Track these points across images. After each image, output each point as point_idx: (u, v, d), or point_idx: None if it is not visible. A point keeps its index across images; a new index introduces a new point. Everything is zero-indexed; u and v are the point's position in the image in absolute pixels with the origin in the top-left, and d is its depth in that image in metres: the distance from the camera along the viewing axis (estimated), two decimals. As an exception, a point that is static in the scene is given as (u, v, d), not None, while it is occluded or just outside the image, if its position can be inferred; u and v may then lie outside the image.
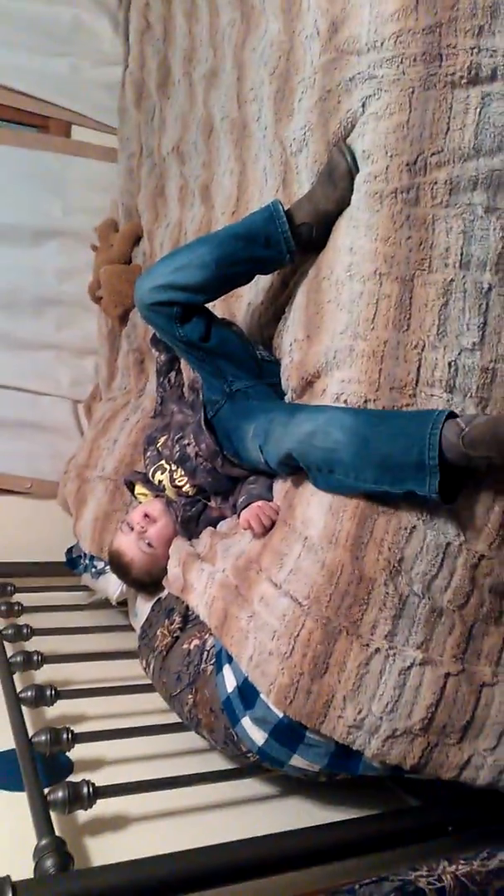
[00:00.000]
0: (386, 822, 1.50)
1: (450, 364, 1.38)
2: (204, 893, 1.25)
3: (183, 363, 2.16)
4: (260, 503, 1.64)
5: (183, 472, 1.89)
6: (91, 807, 1.46)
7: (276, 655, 1.41)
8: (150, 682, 1.87)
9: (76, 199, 3.15)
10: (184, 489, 1.91)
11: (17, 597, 2.55)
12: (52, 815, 1.40)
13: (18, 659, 2.00)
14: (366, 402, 1.42)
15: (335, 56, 1.53)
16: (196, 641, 1.73)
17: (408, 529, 1.39)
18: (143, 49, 2.75)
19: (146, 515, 1.95)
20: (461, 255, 1.38)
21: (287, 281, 1.80)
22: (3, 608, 2.39)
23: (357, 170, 1.50)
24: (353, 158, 1.50)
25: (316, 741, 1.43)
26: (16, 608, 2.41)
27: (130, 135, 2.87)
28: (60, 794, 1.43)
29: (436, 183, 1.37)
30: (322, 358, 1.53)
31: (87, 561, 2.53)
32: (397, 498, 1.38)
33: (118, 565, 1.99)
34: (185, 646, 1.74)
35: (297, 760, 1.48)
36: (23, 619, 2.32)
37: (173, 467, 1.91)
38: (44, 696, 1.81)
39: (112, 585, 2.34)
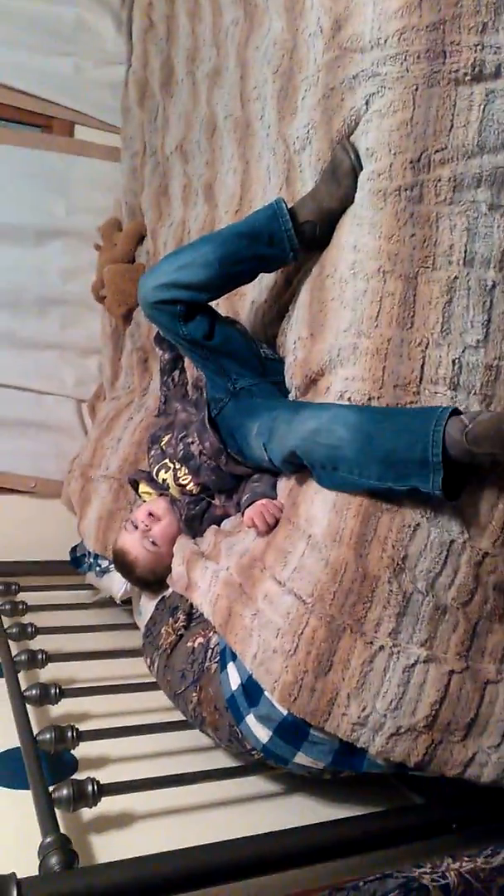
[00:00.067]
0: (390, 819, 1.50)
1: (454, 361, 1.38)
2: (208, 891, 1.26)
3: (187, 362, 2.16)
4: (264, 501, 1.64)
5: (187, 471, 1.89)
6: (96, 804, 1.46)
7: (280, 653, 1.41)
8: (154, 680, 1.87)
9: (80, 199, 3.15)
10: (188, 487, 1.91)
11: (22, 595, 2.56)
12: (57, 812, 1.41)
13: (23, 657, 2.00)
14: (370, 399, 1.42)
15: (338, 54, 1.53)
16: (200, 639, 1.73)
17: (412, 527, 1.39)
18: (147, 48, 2.75)
19: (150, 514, 1.96)
20: (465, 252, 1.38)
21: (291, 279, 1.80)
22: (7, 607, 2.40)
23: (361, 167, 1.50)
24: (357, 156, 1.50)
25: (320, 739, 1.43)
26: (20, 607, 2.42)
27: (134, 134, 2.87)
28: (65, 791, 1.44)
29: (440, 180, 1.37)
30: (326, 356, 1.53)
31: (91, 560, 2.54)
32: (401, 495, 1.38)
33: (122, 564, 1.99)
34: (190, 644, 1.74)
35: (301, 758, 1.48)
36: (27, 618, 2.33)
37: (177, 466, 1.92)
38: (48, 694, 1.82)
39: (116, 584, 2.34)
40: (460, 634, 1.39)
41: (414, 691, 1.36)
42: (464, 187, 1.36)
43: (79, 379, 3.21)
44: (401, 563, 1.38)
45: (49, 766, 1.58)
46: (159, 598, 1.98)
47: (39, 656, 2.02)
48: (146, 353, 2.69)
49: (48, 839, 1.31)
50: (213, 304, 1.78)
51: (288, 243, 1.63)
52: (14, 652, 2.05)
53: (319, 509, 1.47)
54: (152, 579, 1.98)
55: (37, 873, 1.25)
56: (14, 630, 2.18)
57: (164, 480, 1.96)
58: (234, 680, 1.57)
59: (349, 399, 1.45)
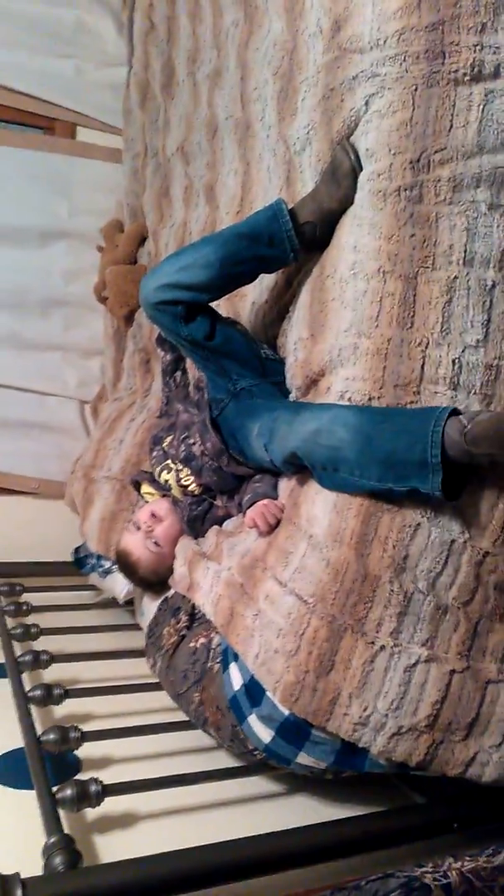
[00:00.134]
0: (392, 818, 1.50)
1: (454, 361, 1.38)
2: (210, 891, 1.26)
3: (188, 363, 2.16)
4: (265, 502, 1.64)
5: (189, 472, 1.90)
6: (99, 804, 1.46)
7: (282, 653, 1.41)
8: (156, 680, 1.88)
9: (82, 201, 3.16)
10: (190, 488, 1.91)
11: (25, 596, 2.56)
12: (61, 813, 1.41)
13: (27, 658, 2.01)
14: (370, 399, 1.42)
15: (338, 55, 1.54)
16: (202, 640, 1.73)
17: (412, 527, 1.39)
18: (147, 50, 2.76)
19: (153, 514, 1.96)
20: (465, 252, 1.38)
21: (291, 280, 1.80)
22: (11, 608, 2.40)
23: (360, 168, 1.50)
24: (357, 157, 1.50)
25: (322, 739, 1.43)
26: (24, 608, 2.42)
27: (135, 135, 2.88)
28: (69, 791, 1.44)
29: (439, 180, 1.37)
30: (326, 356, 1.53)
31: (94, 560, 2.55)
32: (401, 496, 1.38)
33: (125, 564, 2.00)
34: (192, 644, 1.75)
35: (303, 758, 1.48)
36: (31, 619, 2.34)
37: (179, 467, 1.92)
38: (52, 695, 1.82)
39: (119, 584, 2.35)
40: (461, 634, 1.40)
41: (415, 691, 1.36)
42: (463, 187, 1.37)
43: (81, 380, 3.21)
44: (402, 563, 1.38)
45: (53, 767, 1.59)
46: (162, 598, 1.98)
47: (43, 657, 2.03)
48: (148, 354, 2.69)
49: (52, 839, 1.31)
50: (213, 304, 1.78)
51: (288, 244, 1.63)
52: (18, 653, 2.06)
53: (320, 509, 1.48)
54: (155, 580, 1.98)
55: (41, 873, 1.25)
56: (18, 631, 2.19)
57: (166, 481, 1.97)
58: (236, 680, 1.57)
59: (350, 399, 1.45)
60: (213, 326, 1.73)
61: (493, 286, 1.37)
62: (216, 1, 2.20)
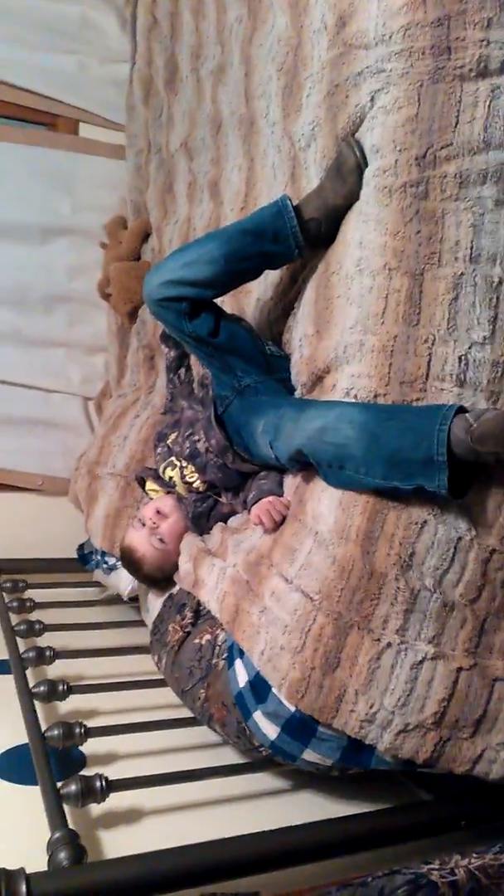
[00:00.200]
0: (398, 816, 1.50)
1: (460, 358, 1.38)
2: (216, 886, 1.26)
3: (193, 359, 2.16)
4: (270, 499, 1.64)
5: (193, 469, 1.90)
6: (104, 800, 1.47)
7: (288, 650, 1.41)
8: (162, 677, 1.88)
9: (85, 197, 3.16)
10: (194, 485, 1.91)
11: (29, 593, 2.56)
12: (66, 808, 1.41)
13: (31, 654, 2.01)
14: (376, 396, 1.42)
15: (343, 51, 1.53)
16: (208, 636, 1.73)
17: (419, 524, 1.39)
18: (151, 46, 2.75)
19: (158, 511, 1.96)
20: (471, 248, 1.37)
21: (296, 276, 1.80)
22: (15, 604, 2.41)
23: (366, 164, 1.49)
24: (362, 153, 1.50)
25: (328, 735, 1.43)
26: (28, 604, 2.43)
27: (138, 131, 2.87)
28: (73, 787, 1.44)
29: (445, 176, 1.37)
30: (332, 353, 1.53)
31: (98, 557, 2.55)
32: (408, 493, 1.38)
33: (130, 561, 2.00)
34: (197, 641, 1.75)
35: (309, 755, 1.48)
36: (35, 615, 2.34)
37: (184, 463, 1.92)
38: (56, 691, 1.82)
39: (123, 581, 2.35)
40: (468, 631, 1.39)
41: (422, 688, 1.36)
42: (469, 183, 1.36)
43: (85, 377, 3.22)
44: (408, 561, 1.38)
45: (57, 763, 1.59)
46: (167, 595, 1.98)
47: (47, 653, 2.03)
48: (152, 350, 2.69)
49: (57, 835, 1.31)
50: (218, 301, 1.78)
51: (293, 240, 1.63)
52: (22, 649, 2.06)
53: (326, 507, 1.48)
54: (160, 577, 1.98)
55: (46, 868, 1.26)
56: (22, 627, 2.19)
57: (170, 478, 1.97)
58: (241, 677, 1.57)
59: (355, 396, 1.45)
60: (218, 323, 1.73)
61: (500, 283, 1.37)
62: (220, -4, 2.20)
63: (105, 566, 2.50)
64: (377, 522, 1.39)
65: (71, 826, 1.36)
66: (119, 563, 2.25)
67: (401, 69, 1.38)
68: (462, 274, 1.37)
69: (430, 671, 1.36)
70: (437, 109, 1.36)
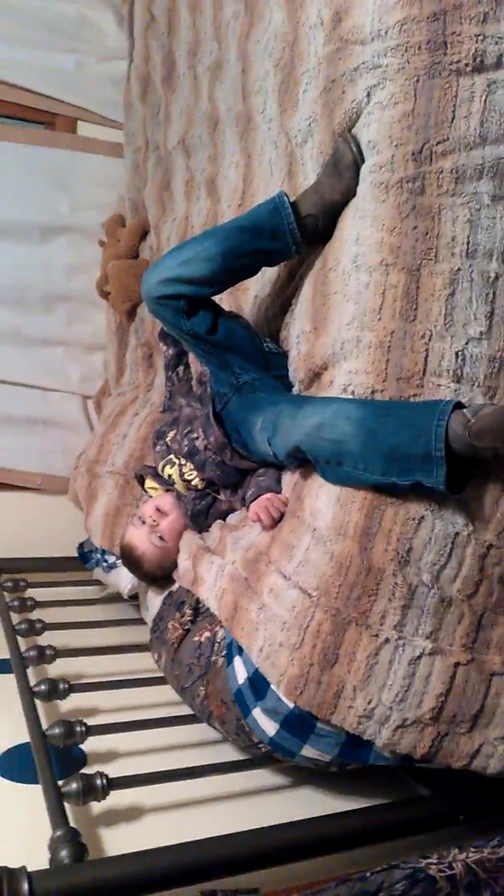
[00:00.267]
0: (396, 811, 1.50)
1: (457, 354, 1.38)
2: (216, 882, 1.26)
3: (191, 357, 2.16)
4: (269, 495, 1.64)
5: (192, 466, 1.90)
6: (105, 798, 1.47)
7: (286, 647, 1.41)
8: (161, 674, 1.88)
9: (83, 195, 3.16)
10: (193, 483, 1.91)
11: (30, 592, 2.56)
12: (67, 806, 1.41)
13: (32, 653, 2.01)
14: (373, 392, 1.42)
15: (339, 46, 1.53)
16: (207, 634, 1.73)
17: (416, 520, 1.39)
18: (148, 43, 2.75)
19: (158, 509, 1.96)
20: (468, 244, 1.37)
21: (293, 273, 1.80)
22: (15, 603, 2.41)
23: (363, 160, 1.49)
24: (359, 149, 1.49)
25: (326, 731, 1.44)
26: (28, 603, 2.43)
27: (136, 129, 2.87)
28: (74, 785, 1.45)
29: (441, 172, 1.37)
30: (329, 349, 1.53)
31: (98, 555, 2.55)
32: (405, 489, 1.38)
33: (130, 559, 2.00)
34: (196, 638, 1.75)
35: (307, 751, 1.49)
36: (35, 614, 2.34)
37: (182, 461, 1.92)
38: (57, 689, 1.82)
39: (123, 579, 2.35)
40: (465, 626, 1.40)
41: (419, 683, 1.36)
42: (466, 179, 1.36)
43: (84, 375, 3.22)
44: (405, 556, 1.38)
45: (58, 761, 1.60)
46: (166, 593, 1.98)
47: (48, 652, 2.03)
48: (151, 348, 2.69)
49: (58, 833, 1.32)
50: (216, 298, 1.78)
51: (290, 237, 1.63)
52: (23, 648, 2.07)
53: (324, 503, 1.48)
54: (159, 574, 1.98)
55: (47, 866, 1.26)
56: (22, 626, 2.20)
57: (169, 476, 1.97)
58: (240, 674, 1.57)
59: (353, 392, 1.45)
60: (216, 320, 1.73)
61: (497, 278, 1.37)
62: (216, -7, 2.20)
63: (105, 564, 2.50)
64: (375, 518, 1.40)
65: (72, 824, 1.36)
66: (119, 561, 2.25)
67: (397, 64, 1.38)
68: (459, 269, 1.37)
69: (427, 666, 1.36)
70: (434, 105, 1.36)
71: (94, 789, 1.46)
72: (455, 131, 1.35)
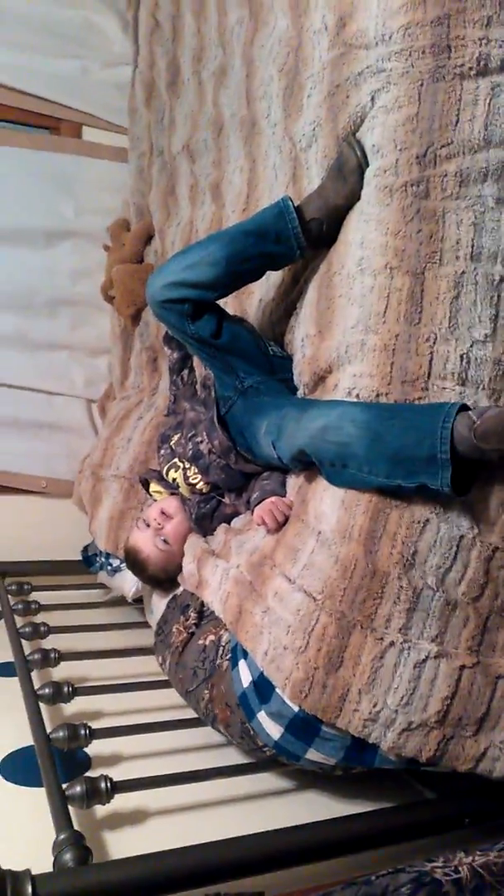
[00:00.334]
0: (402, 814, 1.49)
1: (462, 356, 1.38)
2: (221, 886, 1.26)
3: (195, 361, 2.17)
4: (273, 499, 1.64)
5: (196, 470, 1.90)
6: (109, 801, 1.47)
7: (291, 650, 1.41)
8: (166, 678, 1.88)
9: (88, 200, 3.17)
10: (197, 486, 1.92)
11: (34, 595, 2.57)
12: (71, 809, 1.41)
13: (36, 656, 2.02)
14: (378, 396, 1.42)
15: (343, 51, 1.53)
16: (211, 637, 1.73)
17: (421, 523, 1.39)
18: (153, 49, 2.76)
19: (162, 512, 1.97)
20: (472, 247, 1.37)
21: (298, 276, 1.80)
22: (20, 607, 2.41)
23: (367, 164, 1.50)
24: (363, 152, 1.50)
25: (331, 735, 1.43)
26: (33, 606, 2.43)
27: (141, 134, 2.88)
28: (78, 788, 1.44)
29: (446, 175, 1.37)
30: (334, 353, 1.53)
31: (102, 559, 2.55)
32: (410, 492, 1.38)
33: (134, 562, 2.00)
34: (201, 642, 1.75)
35: (312, 754, 1.48)
36: (40, 618, 2.35)
37: (187, 465, 1.92)
38: (61, 693, 1.82)
39: (128, 583, 2.36)
40: (471, 629, 1.39)
41: (425, 687, 1.35)
42: (470, 182, 1.36)
43: (89, 379, 3.22)
44: (410, 559, 1.38)
45: (63, 764, 1.59)
46: (170, 596, 1.98)
47: (52, 655, 2.04)
48: (155, 352, 2.69)
49: (62, 836, 1.31)
50: (220, 302, 1.78)
51: (295, 241, 1.63)
52: (27, 651, 2.07)
53: (329, 506, 1.48)
54: (164, 577, 1.99)
55: (51, 869, 1.26)
56: (27, 629, 2.20)
57: (174, 480, 1.97)
58: (245, 677, 1.57)
59: (357, 396, 1.45)
60: (220, 324, 1.73)
61: (501, 281, 1.37)
62: (221, -1, 2.21)
63: (109, 568, 2.51)
64: (380, 521, 1.40)
65: (76, 827, 1.35)
66: (123, 564, 2.26)
67: (401, 68, 1.39)
68: (463, 272, 1.37)
69: (433, 669, 1.36)
70: (438, 108, 1.36)
71: (98, 792, 1.46)
72: (459, 135, 1.36)
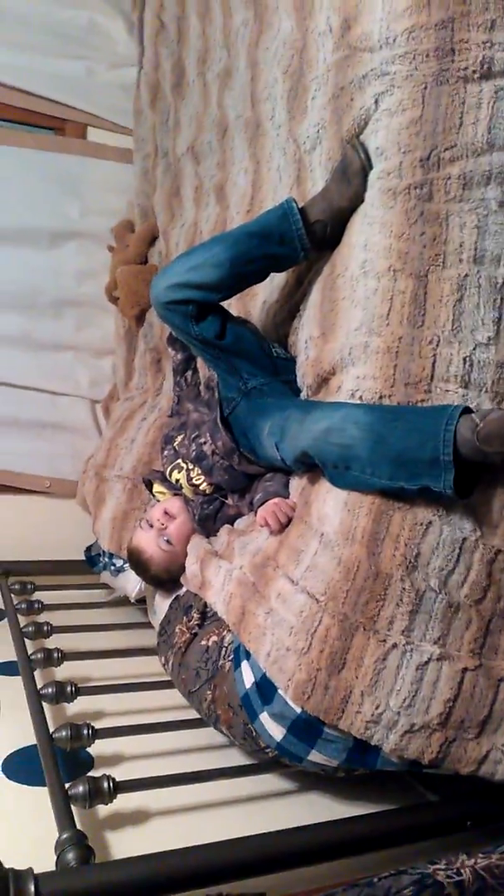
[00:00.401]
0: (404, 816, 1.50)
1: (465, 359, 1.38)
2: (223, 886, 1.26)
3: (199, 362, 2.17)
4: (276, 500, 1.65)
5: (200, 471, 1.90)
6: (111, 801, 1.47)
7: (294, 651, 1.41)
8: (168, 678, 1.88)
9: (93, 201, 3.17)
10: (201, 487, 1.92)
11: (38, 595, 2.58)
12: (73, 809, 1.42)
13: (39, 656, 2.02)
14: (381, 398, 1.42)
15: (348, 53, 1.54)
16: (214, 638, 1.74)
17: (424, 525, 1.39)
18: (158, 50, 2.76)
19: (166, 512, 1.97)
20: (475, 250, 1.38)
21: (302, 278, 1.80)
22: (23, 606, 2.42)
23: (371, 166, 1.50)
24: (367, 155, 1.50)
25: (334, 736, 1.43)
26: (36, 606, 2.44)
27: (145, 136, 2.88)
28: (81, 788, 1.45)
29: (449, 178, 1.37)
30: (337, 355, 1.53)
31: (105, 559, 2.56)
32: (413, 494, 1.38)
33: (137, 562, 2.00)
34: (204, 642, 1.75)
35: (315, 756, 1.48)
36: (43, 617, 2.35)
37: (190, 466, 1.93)
38: (64, 692, 1.83)
39: (131, 583, 2.36)
40: (473, 632, 1.39)
41: (427, 689, 1.36)
42: (473, 185, 1.36)
43: (93, 380, 3.23)
44: (413, 561, 1.38)
45: (65, 764, 1.60)
46: (173, 597, 1.99)
47: (55, 655, 2.04)
48: (159, 353, 2.70)
49: (65, 835, 1.32)
50: (224, 303, 1.79)
51: (299, 243, 1.64)
52: (30, 651, 2.07)
53: (332, 508, 1.48)
54: (167, 578, 1.99)
55: (54, 869, 1.26)
56: (30, 629, 2.20)
57: (177, 480, 1.97)
58: (247, 678, 1.57)
59: (360, 398, 1.45)
60: (224, 325, 1.74)
61: (504, 284, 1.37)
62: (226, 1, 2.21)
63: (112, 568, 2.51)
64: (382, 523, 1.40)
65: (79, 827, 1.36)
66: (126, 565, 2.26)
67: (405, 71, 1.39)
68: (466, 275, 1.37)
69: (435, 672, 1.36)
70: (441, 111, 1.37)
71: (100, 792, 1.46)
72: (463, 137, 1.36)
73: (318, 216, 1.61)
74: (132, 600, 2.41)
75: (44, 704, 1.78)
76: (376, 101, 1.47)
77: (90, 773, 1.57)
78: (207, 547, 1.86)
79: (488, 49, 1.33)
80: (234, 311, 1.89)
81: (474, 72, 1.34)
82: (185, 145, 2.51)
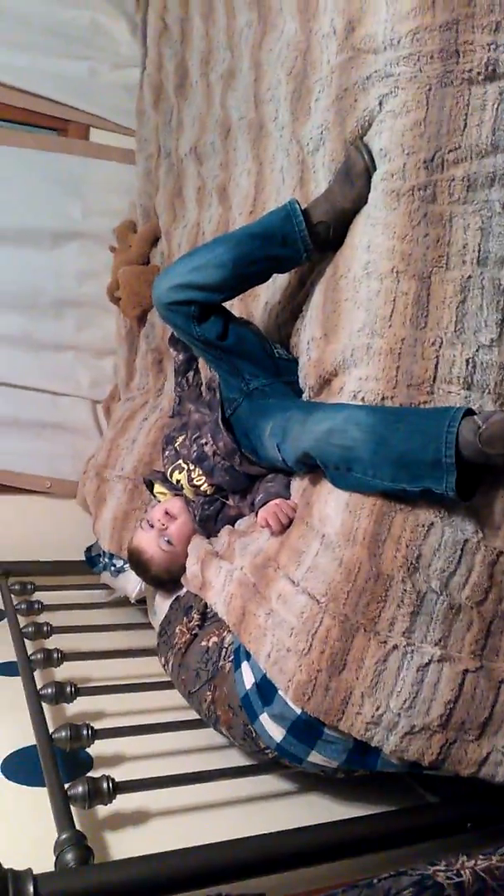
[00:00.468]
0: (404, 818, 1.50)
1: (467, 361, 1.38)
2: (222, 887, 1.26)
3: (201, 362, 2.17)
4: (277, 501, 1.65)
5: (201, 472, 1.90)
6: (111, 802, 1.47)
7: (294, 652, 1.41)
8: (169, 679, 1.88)
9: (95, 202, 3.17)
10: (202, 488, 1.92)
11: (37, 595, 2.57)
12: (73, 809, 1.42)
13: (39, 656, 2.02)
14: (383, 399, 1.42)
15: (352, 55, 1.54)
16: (214, 639, 1.73)
17: (425, 526, 1.39)
18: (161, 51, 2.77)
19: (166, 513, 1.96)
20: (479, 251, 1.38)
21: (304, 279, 1.81)
22: (23, 606, 2.41)
23: (374, 168, 1.50)
24: (371, 156, 1.50)
25: (334, 738, 1.43)
26: (36, 606, 2.43)
27: (148, 136, 2.89)
28: (80, 789, 1.45)
29: (453, 180, 1.37)
30: (339, 356, 1.53)
31: (106, 559, 2.55)
32: (415, 495, 1.38)
33: (138, 562, 2.00)
34: (204, 643, 1.75)
35: (315, 757, 1.48)
36: (43, 618, 2.35)
37: (191, 467, 1.92)
38: (64, 693, 1.83)
39: (131, 583, 2.36)
40: (474, 633, 1.39)
41: (428, 690, 1.35)
42: (477, 187, 1.37)
43: (94, 380, 3.22)
44: (415, 563, 1.38)
45: (65, 764, 1.60)
46: (174, 597, 1.98)
47: (55, 655, 2.04)
48: (161, 354, 2.70)
49: (64, 836, 1.32)
50: (227, 304, 1.79)
51: (301, 244, 1.64)
52: (30, 651, 2.07)
53: (333, 509, 1.48)
54: (167, 578, 1.99)
55: (53, 869, 1.26)
56: (30, 629, 2.20)
57: (178, 481, 1.97)
58: (248, 679, 1.57)
59: (363, 399, 1.45)
60: (226, 326, 1.74)
61: (507, 286, 1.37)
62: (229, 2, 2.21)
63: (113, 568, 2.51)
64: (384, 525, 1.40)
65: (78, 827, 1.36)
66: (126, 565, 2.26)
67: (409, 73, 1.39)
68: (470, 277, 1.37)
69: (436, 673, 1.36)
70: (446, 113, 1.37)
71: (100, 793, 1.46)
72: (467, 139, 1.36)
73: (321, 217, 1.61)
74: (132, 601, 2.41)
75: (43, 705, 1.78)
76: (380, 103, 1.47)
77: (89, 774, 1.57)
78: (208, 547, 1.86)
79: (493, 51, 1.33)
80: (236, 312, 1.89)
81: (479, 73, 1.34)
82: (188, 146, 2.52)
